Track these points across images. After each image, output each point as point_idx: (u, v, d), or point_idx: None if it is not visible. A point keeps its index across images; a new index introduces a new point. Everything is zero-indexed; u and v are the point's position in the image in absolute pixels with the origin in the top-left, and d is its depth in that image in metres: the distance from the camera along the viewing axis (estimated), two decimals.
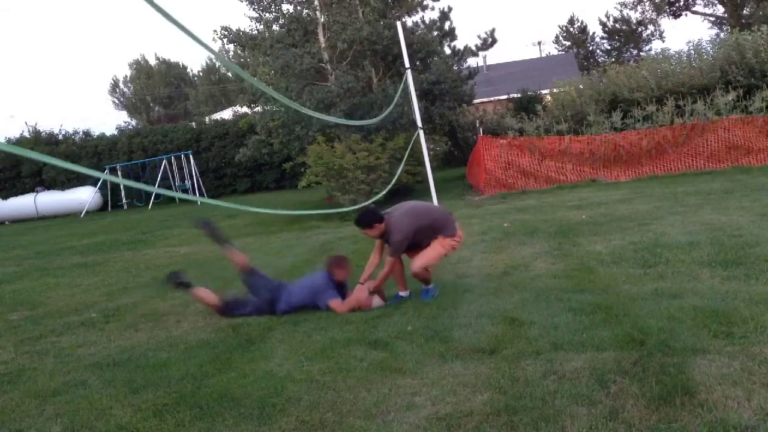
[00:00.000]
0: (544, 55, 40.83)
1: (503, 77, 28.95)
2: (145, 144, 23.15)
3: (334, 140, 12.42)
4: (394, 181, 10.38)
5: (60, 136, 24.18)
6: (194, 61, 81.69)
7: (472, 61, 22.90)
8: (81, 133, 24.06)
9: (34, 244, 12.55)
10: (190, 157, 21.93)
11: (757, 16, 25.88)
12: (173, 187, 22.04)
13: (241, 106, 22.52)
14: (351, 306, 4.50)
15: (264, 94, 13.74)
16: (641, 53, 36.78)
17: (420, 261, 4.44)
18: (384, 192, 10.06)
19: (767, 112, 11.05)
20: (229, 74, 44.15)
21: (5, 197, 22.34)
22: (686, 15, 33.95)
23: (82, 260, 9.26)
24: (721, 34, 24.59)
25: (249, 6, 14.06)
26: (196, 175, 21.90)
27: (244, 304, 4.73)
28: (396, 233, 4.39)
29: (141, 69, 50.31)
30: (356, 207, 8.54)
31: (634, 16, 37.21)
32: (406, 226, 4.40)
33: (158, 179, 21.98)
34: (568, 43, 42.78)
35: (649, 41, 38.40)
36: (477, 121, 17.62)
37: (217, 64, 50.37)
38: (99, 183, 21.12)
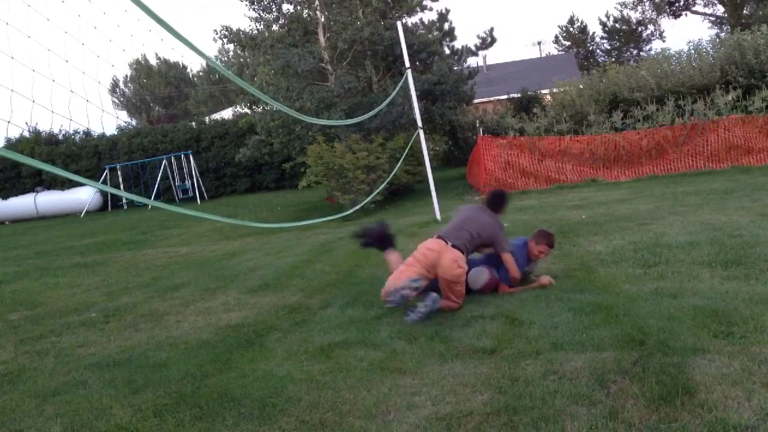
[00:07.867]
0: (544, 55, 40.92)
1: (503, 77, 28.99)
2: (145, 144, 23.16)
3: (334, 140, 12.43)
4: (389, 179, 10.37)
5: (60, 137, 24.19)
6: (194, 61, 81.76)
7: (471, 61, 22.97)
8: (81, 133, 24.09)
9: (34, 244, 12.55)
10: (190, 157, 21.94)
11: (757, 16, 25.88)
12: (173, 187, 22.07)
13: (242, 107, 22.54)
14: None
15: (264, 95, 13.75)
16: (641, 53, 36.86)
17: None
18: (379, 189, 10.05)
19: (767, 112, 11.05)
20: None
21: (5, 197, 22.36)
22: (686, 15, 34.04)
23: (82, 260, 9.26)
24: (721, 34, 24.60)
25: (249, 6, 14.06)
26: (196, 175, 21.91)
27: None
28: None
29: (141, 69, 50.28)
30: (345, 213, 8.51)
31: (634, 16, 37.32)
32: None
33: (158, 179, 22.00)
34: (568, 43, 42.82)
35: (649, 41, 38.48)
36: (477, 121, 17.64)
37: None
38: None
